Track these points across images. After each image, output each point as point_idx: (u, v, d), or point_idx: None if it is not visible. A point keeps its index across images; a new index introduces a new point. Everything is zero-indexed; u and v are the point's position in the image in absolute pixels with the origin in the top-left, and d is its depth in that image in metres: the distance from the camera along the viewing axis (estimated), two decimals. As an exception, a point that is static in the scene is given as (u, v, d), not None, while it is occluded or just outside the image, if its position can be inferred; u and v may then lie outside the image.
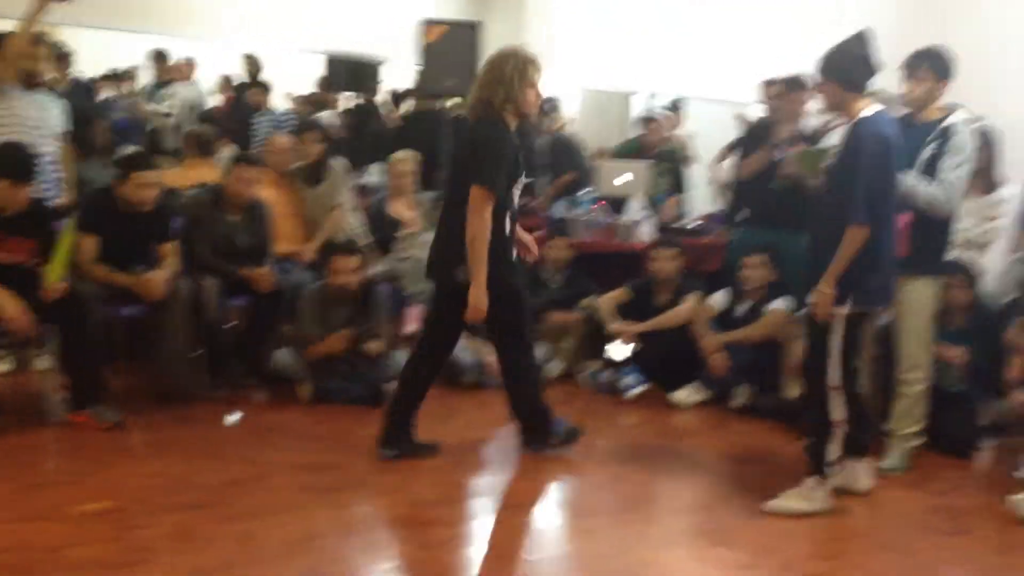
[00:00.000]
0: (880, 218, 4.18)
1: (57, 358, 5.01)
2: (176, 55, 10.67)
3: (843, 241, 4.15)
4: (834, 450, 4.31)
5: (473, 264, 4.35)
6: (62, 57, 9.32)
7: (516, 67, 4.41)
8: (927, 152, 4.70)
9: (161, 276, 5.22)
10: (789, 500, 4.34)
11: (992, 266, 6.14)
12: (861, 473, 4.60)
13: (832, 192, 4.30)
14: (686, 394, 5.96)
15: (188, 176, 7.09)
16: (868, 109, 4.23)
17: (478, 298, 4.36)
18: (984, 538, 4.32)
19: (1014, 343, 5.39)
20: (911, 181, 4.58)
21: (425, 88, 7.34)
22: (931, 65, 4.72)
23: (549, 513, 4.47)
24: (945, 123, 4.72)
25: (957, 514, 4.43)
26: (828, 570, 3.88)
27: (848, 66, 4.22)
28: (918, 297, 4.81)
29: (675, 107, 10.43)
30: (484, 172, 4.33)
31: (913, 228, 4.66)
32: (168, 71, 10.45)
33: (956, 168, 4.65)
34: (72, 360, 4.93)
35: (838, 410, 4.26)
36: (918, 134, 4.65)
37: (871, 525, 4.34)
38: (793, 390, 5.64)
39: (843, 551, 4.06)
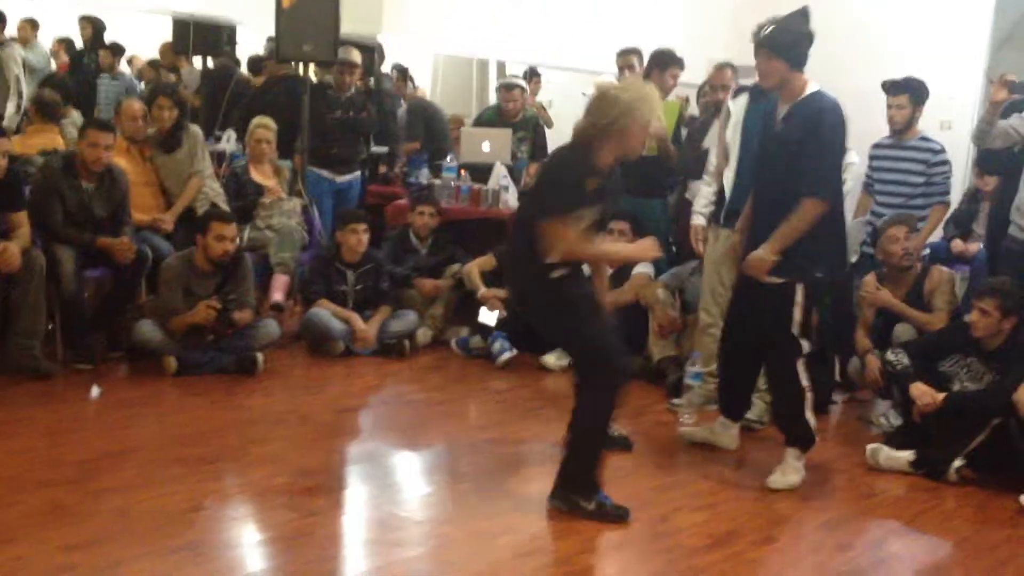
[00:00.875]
0: (837, 190, 4.31)
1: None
2: (16, 16, 10.09)
3: (799, 212, 4.16)
4: (811, 416, 4.41)
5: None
6: None
7: (603, 108, 3.81)
8: None
9: (15, 247, 4.98)
10: (786, 476, 4.40)
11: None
12: (733, 432, 4.80)
13: (782, 161, 4.28)
14: (555, 357, 6.05)
15: (31, 143, 6.77)
16: (813, 85, 4.27)
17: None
18: (844, 486, 4.58)
19: (861, 303, 5.67)
20: None
21: (282, 53, 7.17)
22: None
23: (423, 478, 4.49)
24: None
25: (818, 464, 4.64)
26: (703, 520, 4.03)
27: (795, 44, 4.22)
28: None
29: (531, 75, 10.53)
30: (547, 203, 3.84)
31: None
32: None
33: None
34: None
35: (804, 376, 4.37)
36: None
37: (740, 477, 4.53)
38: (658, 352, 5.82)
39: (715, 503, 4.22)
